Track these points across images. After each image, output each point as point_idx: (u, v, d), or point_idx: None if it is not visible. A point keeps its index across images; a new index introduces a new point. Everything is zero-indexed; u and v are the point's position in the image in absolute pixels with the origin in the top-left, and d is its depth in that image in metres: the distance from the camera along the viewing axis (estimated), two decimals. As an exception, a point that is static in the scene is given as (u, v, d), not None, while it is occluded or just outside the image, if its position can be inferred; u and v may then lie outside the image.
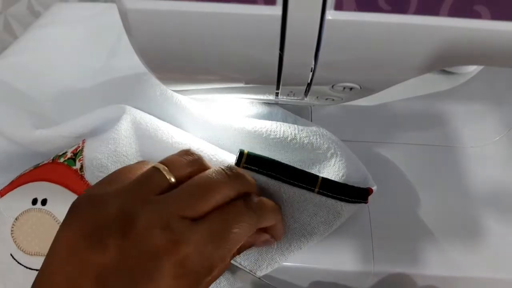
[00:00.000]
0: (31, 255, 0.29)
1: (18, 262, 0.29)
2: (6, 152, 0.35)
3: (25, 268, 0.29)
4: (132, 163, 0.28)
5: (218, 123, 0.32)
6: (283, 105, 0.35)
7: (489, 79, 0.41)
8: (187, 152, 0.24)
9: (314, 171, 0.32)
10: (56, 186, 0.31)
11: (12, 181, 0.32)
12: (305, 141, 0.31)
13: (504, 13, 0.17)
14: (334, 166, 0.31)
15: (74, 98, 0.40)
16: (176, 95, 0.33)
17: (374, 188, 0.30)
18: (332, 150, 0.31)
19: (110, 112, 0.32)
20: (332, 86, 0.23)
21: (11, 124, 0.35)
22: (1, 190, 0.31)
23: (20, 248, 0.29)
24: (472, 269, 0.30)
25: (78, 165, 0.31)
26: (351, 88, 0.23)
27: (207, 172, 0.23)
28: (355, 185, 0.30)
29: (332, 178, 0.30)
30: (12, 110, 0.37)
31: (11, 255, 0.29)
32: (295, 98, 0.26)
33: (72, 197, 0.30)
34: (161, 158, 0.26)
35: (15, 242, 0.30)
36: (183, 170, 0.23)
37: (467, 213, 0.33)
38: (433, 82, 0.40)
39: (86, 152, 0.31)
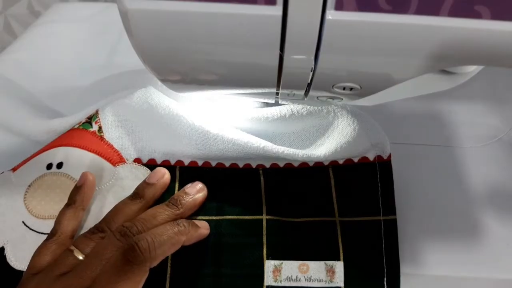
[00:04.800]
0: (44, 218, 0.29)
1: (30, 228, 0.29)
2: (15, 149, 0.35)
3: (36, 233, 0.29)
4: (145, 126, 0.32)
5: (217, 112, 0.33)
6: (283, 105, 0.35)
7: (489, 79, 0.41)
8: (93, 231, 0.28)
9: (319, 137, 0.33)
10: (73, 148, 0.31)
11: (24, 160, 0.32)
12: (304, 113, 0.32)
13: (504, 13, 0.17)
14: (338, 128, 0.32)
15: (76, 94, 0.41)
16: None
17: (385, 151, 0.31)
18: (333, 113, 0.32)
19: (126, 96, 0.33)
20: (332, 86, 0.23)
21: (19, 117, 0.35)
22: (15, 166, 0.31)
23: (33, 214, 0.29)
24: (472, 269, 0.30)
25: (95, 127, 0.31)
26: (351, 88, 0.23)
27: (99, 245, 0.27)
28: (362, 142, 0.31)
29: (338, 139, 0.31)
30: (18, 105, 0.37)
31: (23, 222, 0.29)
32: (295, 98, 0.26)
33: (91, 157, 0.31)
34: (167, 127, 0.32)
35: (27, 208, 0.29)
36: (89, 247, 0.27)
37: (467, 213, 0.33)
38: (433, 82, 0.40)
39: (101, 115, 0.32)
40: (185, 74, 0.23)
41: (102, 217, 0.29)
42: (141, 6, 0.18)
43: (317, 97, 0.25)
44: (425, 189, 0.34)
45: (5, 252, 0.29)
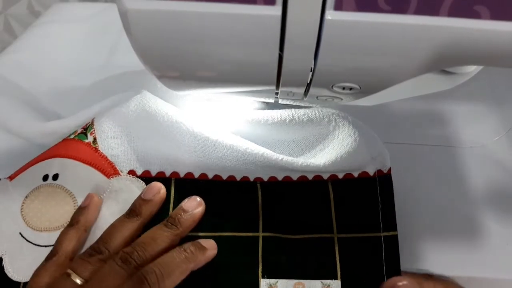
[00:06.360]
0: (40, 231, 0.29)
1: (27, 240, 0.29)
2: (13, 149, 0.35)
3: (33, 245, 0.29)
4: (142, 136, 0.32)
5: (217, 114, 0.33)
6: (283, 106, 0.35)
7: (489, 79, 0.41)
8: (90, 253, 0.27)
9: (319, 147, 0.32)
10: (68, 160, 0.31)
11: (21, 167, 0.32)
12: (305, 119, 0.32)
13: (504, 13, 0.17)
14: (339, 138, 0.31)
15: (75, 94, 0.41)
16: None
17: (386, 165, 0.30)
18: (334, 123, 0.32)
19: (122, 99, 0.32)
20: (332, 86, 0.23)
21: (18, 118, 0.35)
22: (12, 174, 0.31)
23: (30, 225, 0.29)
24: (472, 269, 0.30)
25: (90, 139, 0.31)
26: (350, 88, 0.23)
27: (100, 273, 0.26)
28: (362, 153, 0.30)
29: (338, 150, 0.31)
30: (17, 105, 0.37)
31: (20, 233, 0.29)
32: (295, 98, 0.26)
33: (86, 169, 0.31)
34: (166, 135, 0.31)
35: (24, 219, 0.29)
36: (88, 271, 0.26)
37: (467, 213, 0.33)
38: (433, 82, 0.40)
39: (97, 125, 0.31)
40: (184, 74, 0.23)
41: (96, 230, 0.29)
42: (141, 6, 0.18)
43: (317, 96, 0.25)
44: (425, 189, 0.34)
45: (3, 262, 0.29)
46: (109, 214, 0.30)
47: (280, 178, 0.31)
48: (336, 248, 0.29)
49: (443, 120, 0.39)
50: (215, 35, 0.19)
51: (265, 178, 0.31)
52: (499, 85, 0.41)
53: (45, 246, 0.29)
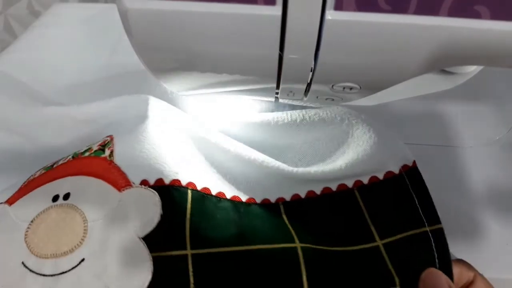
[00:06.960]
0: (46, 258, 0.25)
1: (30, 270, 0.25)
2: (13, 149, 0.33)
3: (36, 275, 0.25)
4: (156, 144, 0.30)
5: (224, 117, 0.33)
6: (291, 107, 0.35)
7: (489, 79, 0.41)
8: None
9: (332, 144, 0.31)
10: (80, 177, 0.28)
11: (22, 187, 0.29)
12: (316, 119, 0.31)
13: (504, 13, 0.17)
14: (353, 136, 0.30)
15: (76, 95, 0.40)
16: None
17: (409, 158, 0.29)
18: (347, 121, 0.30)
19: (126, 101, 0.32)
20: (332, 86, 0.23)
21: (15, 108, 0.34)
22: (10, 198, 0.28)
23: (34, 253, 0.26)
24: (472, 269, 0.30)
25: (107, 152, 0.29)
26: (351, 88, 0.23)
27: None
28: (381, 150, 0.29)
29: (354, 149, 0.29)
30: (16, 98, 0.36)
31: (22, 263, 0.25)
32: (295, 98, 0.26)
33: (97, 183, 0.28)
34: (180, 143, 0.30)
35: (28, 247, 0.26)
36: None
37: (467, 213, 0.33)
38: (433, 82, 0.40)
39: (116, 141, 0.30)
40: (184, 74, 0.23)
41: (106, 252, 0.26)
42: (141, 6, 0.18)
43: (317, 96, 0.25)
44: (425, 189, 0.34)
45: None
46: (119, 231, 0.27)
47: (303, 194, 0.29)
48: (385, 254, 0.26)
49: (443, 120, 0.39)
50: (216, 35, 0.19)
51: (287, 197, 0.30)
52: (499, 85, 0.41)
53: (51, 275, 0.25)
